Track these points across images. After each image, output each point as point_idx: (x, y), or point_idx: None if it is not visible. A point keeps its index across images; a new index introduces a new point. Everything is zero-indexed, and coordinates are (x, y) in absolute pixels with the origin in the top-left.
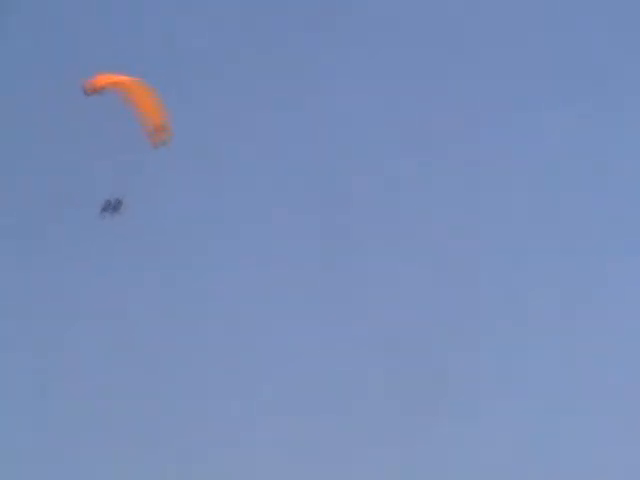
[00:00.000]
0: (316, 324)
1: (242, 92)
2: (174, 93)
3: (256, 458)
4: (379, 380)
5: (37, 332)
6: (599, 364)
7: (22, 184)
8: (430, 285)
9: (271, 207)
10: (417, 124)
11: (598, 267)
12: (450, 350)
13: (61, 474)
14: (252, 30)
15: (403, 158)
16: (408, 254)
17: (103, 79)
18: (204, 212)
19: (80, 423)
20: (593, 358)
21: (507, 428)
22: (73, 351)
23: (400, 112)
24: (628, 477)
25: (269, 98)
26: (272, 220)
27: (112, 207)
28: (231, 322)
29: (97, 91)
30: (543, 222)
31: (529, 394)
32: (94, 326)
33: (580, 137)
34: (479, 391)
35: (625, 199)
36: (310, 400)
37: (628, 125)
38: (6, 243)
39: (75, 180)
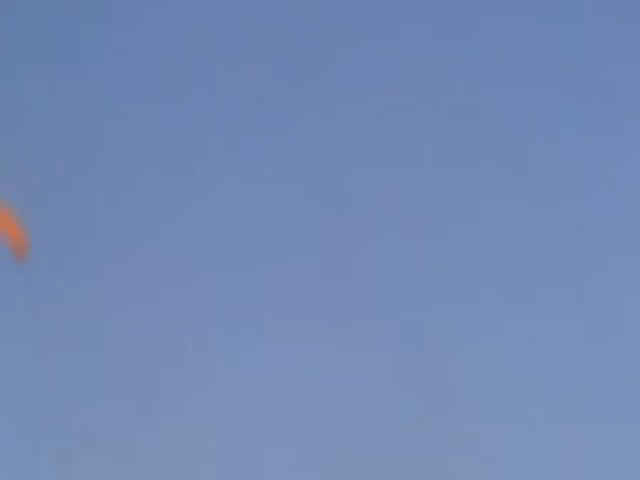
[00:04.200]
0: (319, 340)
1: None
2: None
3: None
4: (386, 397)
5: None
6: (615, 371)
7: None
8: (431, 285)
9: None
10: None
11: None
12: (454, 350)
13: None
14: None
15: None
16: (413, 260)
17: None
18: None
19: None
20: (609, 364)
21: (514, 428)
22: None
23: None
24: None
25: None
26: (268, 214)
27: None
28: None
29: None
30: (551, 220)
31: (536, 392)
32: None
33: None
34: (485, 391)
35: None
36: (316, 418)
37: None
38: None
39: None
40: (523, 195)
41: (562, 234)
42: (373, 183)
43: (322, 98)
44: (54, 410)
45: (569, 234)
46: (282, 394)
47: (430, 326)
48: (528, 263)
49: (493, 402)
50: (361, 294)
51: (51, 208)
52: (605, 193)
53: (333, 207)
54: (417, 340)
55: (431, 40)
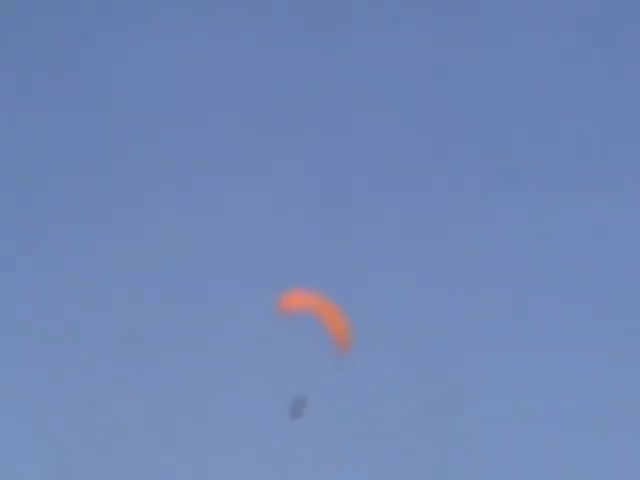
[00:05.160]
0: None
1: None
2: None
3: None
4: (383, 381)
5: None
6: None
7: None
8: (431, 284)
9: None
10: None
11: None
12: (455, 348)
13: None
14: None
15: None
16: (416, 259)
17: (295, 301)
18: None
19: None
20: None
21: (514, 427)
22: None
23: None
24: None
25: None
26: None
27: (297, 408)
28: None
29: (290, 312)
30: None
31: (536, 391)
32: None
33: None
34: (486, 390)
35: None
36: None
37: None
38: None
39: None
40: (524, 196)
41: (562, 235)
42: (377, 183)
43: (325, 99)
44: (57, 407)
45: (569, 235)
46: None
47: (435, 325)
48: (531, 263)
49: (496, 401)
50: (365, 291)
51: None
52: (606, 194)
53: (335, 206)
54: (422, 339)
55: (433, 42)
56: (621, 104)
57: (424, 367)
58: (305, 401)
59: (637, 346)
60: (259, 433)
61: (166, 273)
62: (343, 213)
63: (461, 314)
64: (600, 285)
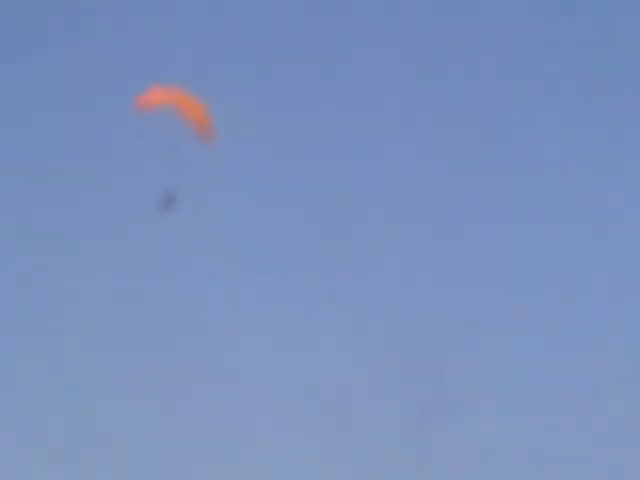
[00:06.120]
0: (318, 324)
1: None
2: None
3: (254, 462)
4: (381, 381)
5: None
6: (605, 366)
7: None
8: (430, 285)
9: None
10: None
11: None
12: (453, 349)
13: None
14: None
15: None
16: (408, 253)
17: (154, 97)
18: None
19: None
20: (599, 358)
21: (512, 427)
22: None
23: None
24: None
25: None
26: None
27: (167, 202)
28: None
29: (149, 109)
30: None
31: (533, 391)
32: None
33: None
34: (483, 390)
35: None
36: (313, 405)
37: None
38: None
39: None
40: (525, 196)
41: (563, 235)
42: (379, 184)
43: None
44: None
45: (571, 235)
46: (285, 386)
47: (431, 324)
48: (531, 264)
49: (490, 399)
50: (363, 290)
51: None
52: (608, 194)
53: (336, 203)
54: (417, 338)
55: (435, 45)
56: (623, 107)
57: (416, 366)
58: (173, 195)
59: (637, 349)
60: None
61: None
62: (342, 214)
63: (458, 313)
64: (595, 289)
